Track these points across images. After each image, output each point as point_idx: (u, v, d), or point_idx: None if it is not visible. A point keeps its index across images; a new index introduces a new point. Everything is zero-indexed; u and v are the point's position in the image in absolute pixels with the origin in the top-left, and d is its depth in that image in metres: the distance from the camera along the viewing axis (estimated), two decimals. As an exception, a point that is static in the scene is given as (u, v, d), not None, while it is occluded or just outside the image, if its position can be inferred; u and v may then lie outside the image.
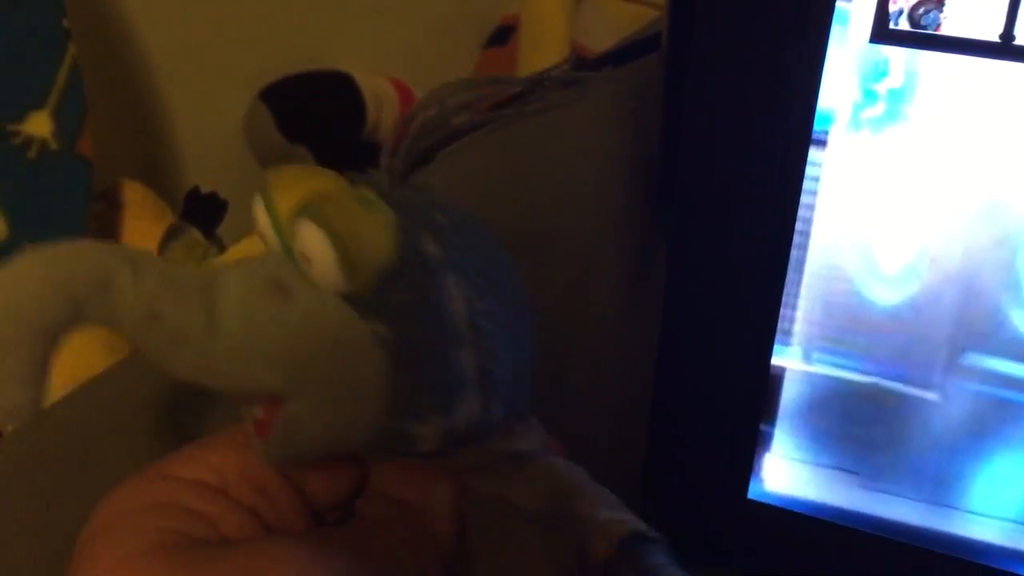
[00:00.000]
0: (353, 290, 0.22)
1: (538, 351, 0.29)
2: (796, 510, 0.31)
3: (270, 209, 0.22)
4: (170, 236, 0.61)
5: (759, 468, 0.31)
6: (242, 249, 0.59)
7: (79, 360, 0.52)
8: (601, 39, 0.86)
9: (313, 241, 0.21)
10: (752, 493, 0.31)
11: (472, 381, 0.24)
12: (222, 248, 0.63)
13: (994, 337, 0.27)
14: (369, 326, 0.22)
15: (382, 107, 0.81)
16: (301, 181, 0.23)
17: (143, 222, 0.61)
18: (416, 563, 0.23)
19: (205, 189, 0.66)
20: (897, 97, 0.26)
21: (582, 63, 0.70)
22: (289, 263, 0.23)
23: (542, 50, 0.82)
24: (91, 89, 0.57)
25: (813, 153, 0.27)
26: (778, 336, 0.29)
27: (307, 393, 0.22)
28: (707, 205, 0.28)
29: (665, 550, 0.24)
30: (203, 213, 0.64)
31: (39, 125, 0.56)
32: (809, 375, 0.29)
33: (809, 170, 0.27)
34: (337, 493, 0.26)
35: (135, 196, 0.61)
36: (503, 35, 0.94)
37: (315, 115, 0.79)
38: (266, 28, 0.77)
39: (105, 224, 0.61)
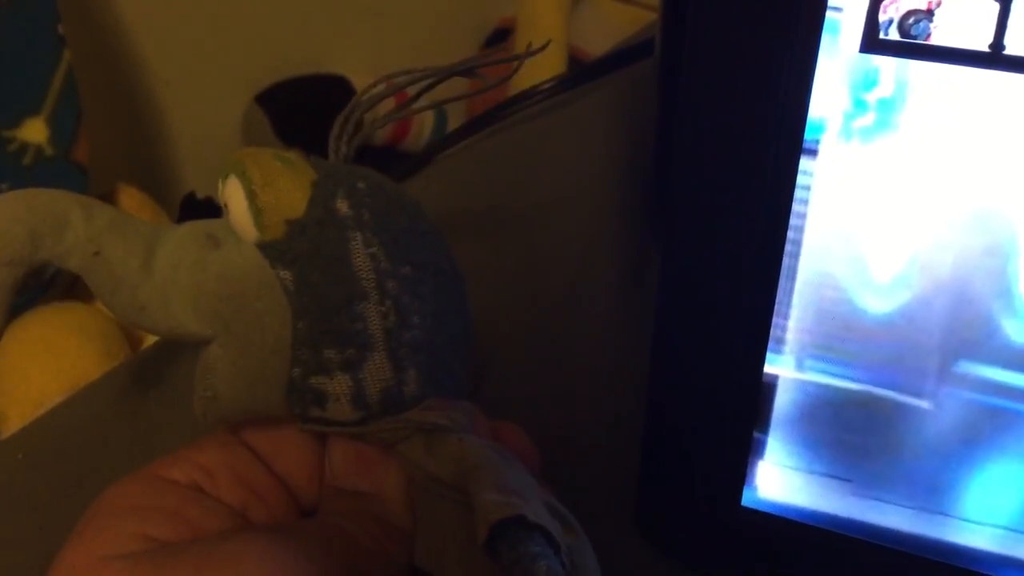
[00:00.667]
0: (264, 239, 0.25)
1: (475, 341, 0.29)
2: (790, 517, 0.31)
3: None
4: (166, 242, 0.61)
5: (753, 475, 0.31)
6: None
7: (76, 367, 0.52)
8: (598, 42, 0.86)
9: (231, 190, 0.25)
10: (746, 500, 0.31)
11: (378, 340, 0.25)
12: (218, 253, 0.63)
13: (986, 345, 0.27)
14: (277, 273, 0.25)
15: (378, 111, 0.81)
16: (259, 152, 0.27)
17: (139, 227, 0.61)
18: (381, 550, 0.24)
19: (201, 194, 0.66)
20: (887, 107, 0.26)
21: (578, 66, 0.70)
22: (226, 219, 0.26)
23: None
24: (86, 95, 0.57)
25: (804, 162, 0.27)
26: (771, 344, 0.29)
27: (220, 334, 0.24)
28: (699, 213, 0.28)
29: (542, 540, 0.23)
30: (199, 218, 0.64)
31: (34, 131, 0.56)
32: (802, 383, 0.29)
33: (800, 179, 0.27)
34: (314, 475, 0.26)
35: (131, 202, 0.61)
36: (500, 38, 0.94)
37: (311, 118, 0.79)
38: (262, 32, 0.77)
39: (101, 230, 0.61)
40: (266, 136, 0.75)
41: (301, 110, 0.78)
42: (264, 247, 0.25)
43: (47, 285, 0.52)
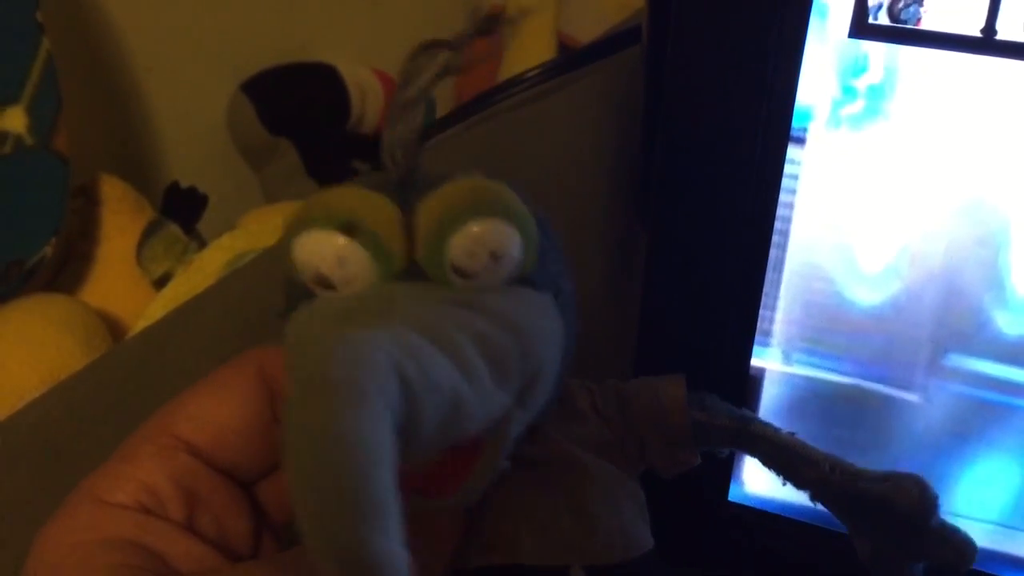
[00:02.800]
0: (530, 269, 0.21)
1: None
2: (777, 512, 0.31)
3: (415, 230, 0.20)
4: (149, 232, 0.60)
5: (739, 471, 0.31)
6: (223, 245, 0.58)
7: (56, 359, 0.51)
8: (587, 29, 0.85)
9: (502, 234, 0.20)
10: (733, 496, 0.31)
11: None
12: (202, 244, 0.62)
13: (976, 337, 0.26)
14: (551, 297, 0.22)
15: (367, 99, 0.80)
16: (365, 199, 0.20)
17: (121, 217, 0.60)
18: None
19: (185, 184, 0.65)
20: (877, 93, 0.26)
21: (567, 53, 0.69)
22: (437, 285, 0.20)
23: (527, 40, 0.82)
24: (67, 83, 0.56)
25: (792, 151, 0.26)
26: (757, 337, 0.29)
27: (526, 395, 0.21)
28: (685, 203, 0.28)
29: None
30: (183, 208, 0.63)
31: (13, 120, 0.55)
32: (789, 376, 0.29)
33: (788, 168, 0.27)
34: (261, 455, 0.24)
35: (113, 191, 0.60)
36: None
37: (298, 107, 0.78)
38: (248, 19, 0.76)
39: (84, 220, 0.60)
40: (251, 125, 0.74)
41: (288, 99, 0.77)
42: (528, 280, 0.21)
43: (27, 276, 0.51)
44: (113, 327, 0.57)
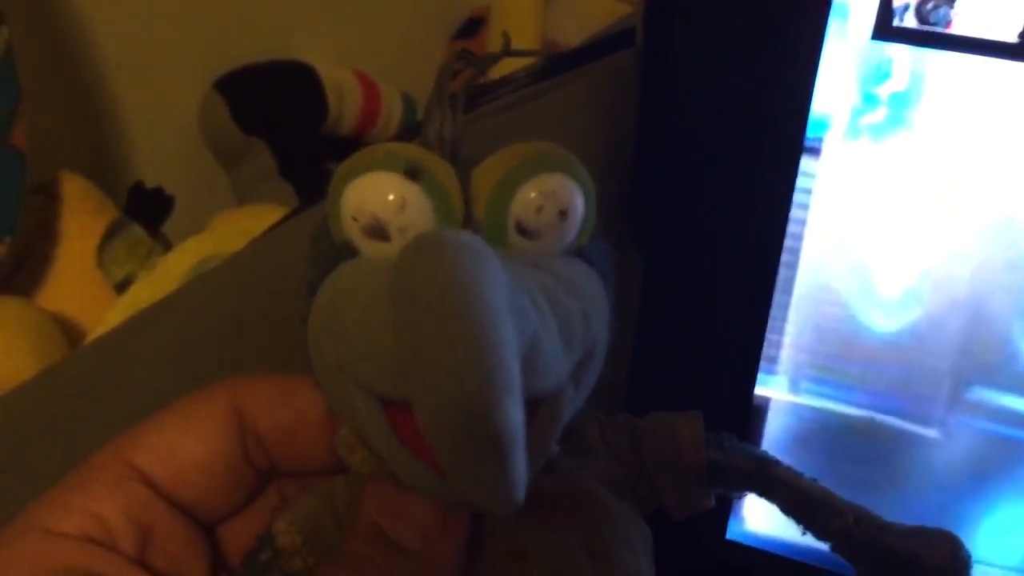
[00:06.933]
0: (586, 240, 0.20)
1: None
2: (778, 552, 0.28)
3: (473, 192, 0.19)
4: (112, 233, 0.57)
5: (739, 506, 0.28)
6: (189, 248, 0.56)
7: (3, 368, 0.48)
8: (573, 35, 0.83)
9: (571, 191, 0.19)
10: (731, 533, 0.29)
11: None
12: (167, 246, 0.59)
13: (1003, 370, 0.24)
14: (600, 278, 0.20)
15: (344, 100, 0.78)
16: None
17: (83, 216, 0.58)
18: None
19: (152, 184, 0.62)
20: (901, 101, 0.24)
21: (553, 58, 0.67)
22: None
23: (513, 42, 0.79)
24: (28, 76, 0.53)
25: (805, 163, 0.24)
26: (763, 363, 0.26)
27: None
28: (686, 218, 0.26)
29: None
30: (148, 209, 0.61)
31: (-32, 114, 0.52)
32: (796, 407, 0.27)
33: (801, 181, 0.24)
34: (224, 497, 0.23)
35: (75, 189, 0.57)
36: (472, 27, 0.91)
37: (273, 107, 0.76)
38: (224, 15, 0.73)
39: (43, 219, 0.57)
40: (224, 124, 0.71)
41: (262, 98, 0.75)
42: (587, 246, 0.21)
43: (-22, 278, 0.48)
44: (71, 333, 0.54)
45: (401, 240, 0.18)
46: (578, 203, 0.19)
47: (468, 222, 0.19)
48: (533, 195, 0.19)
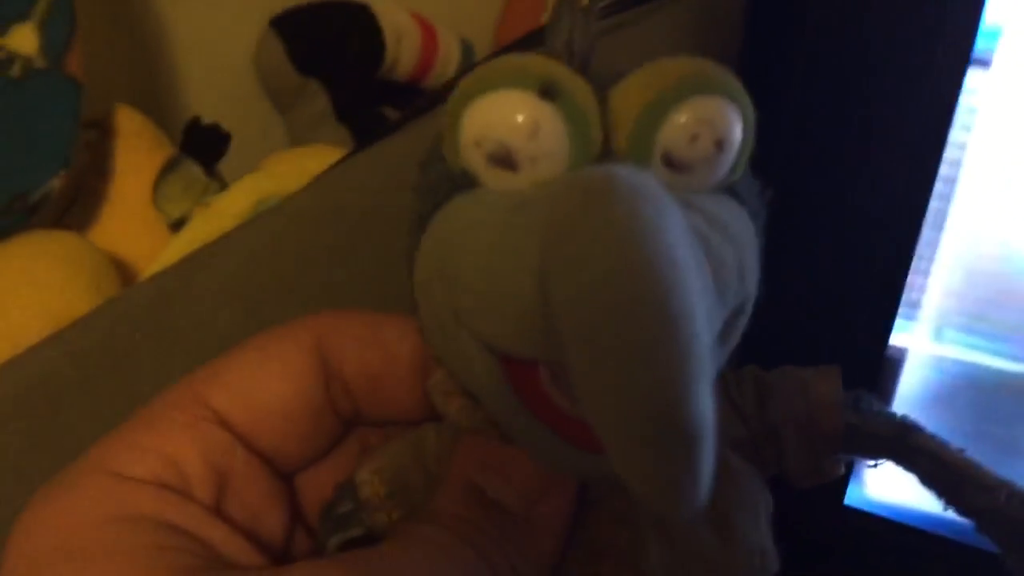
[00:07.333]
0: (740, 174, 0.18)
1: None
2: (903, 521, 0.26)
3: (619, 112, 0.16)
4: (167, 169, 0.55)
5: (859, 469, 0.26)
6: (246, 187, 0.54)
7: (60, 303, 0.47)
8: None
9: (729, 118, 0.16)
10: (850, 499, 0.26)
11: None
12: (223, 185, 0.58)
13: None
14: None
15: (402, 44, 0.76)
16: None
17: (138, 153, 0.56)
18: None
19: (207, 120, 0.60)
20: (1093, 5, 0.20)
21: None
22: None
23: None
24: (84, 5, 0.51)
25: (972, 76, 0.21)
26: (902, 308, 0.23)
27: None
28: (825, 138, 0.23)
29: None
30: (204, 146, 0.59)
31: (23, 39, 0.51)
32: (938, 359, 0.24)
33: (965, 98, 0.21)
34: (302, 450, 0.21)
35: (131, 125, 0.56)
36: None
37: (330, 48, 0.74)
38: (281, -49, 0.71)
39: (96, 154, 0.55)
40: (281, 63, 0.70)
41: (319, 38, 0.73)
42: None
43: (32, 211, 0.47)
44: (124, 271, 0.52)
45: (531, 171, 0.16)
46: (736, 132, 0.17)
47: (606, 152, 0.16)
48: (687, 121, 0.16)
